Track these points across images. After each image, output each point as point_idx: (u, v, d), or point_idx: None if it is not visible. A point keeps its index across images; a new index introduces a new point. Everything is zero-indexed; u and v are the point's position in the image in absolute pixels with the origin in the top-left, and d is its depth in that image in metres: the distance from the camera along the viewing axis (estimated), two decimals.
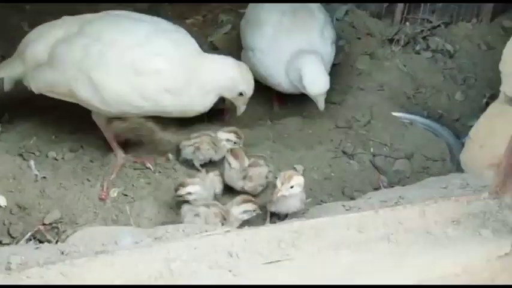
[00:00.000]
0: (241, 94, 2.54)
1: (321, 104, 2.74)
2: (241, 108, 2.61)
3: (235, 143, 2.52)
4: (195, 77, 2.39)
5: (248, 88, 2.54)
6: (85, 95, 2.34)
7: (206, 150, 2.49)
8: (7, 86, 2.55)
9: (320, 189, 2.53)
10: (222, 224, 2.10)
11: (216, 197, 2.33)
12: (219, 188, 2.30)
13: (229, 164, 2.33)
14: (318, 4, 3.09)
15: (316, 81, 2.71)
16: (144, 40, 2.34)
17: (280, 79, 2.83)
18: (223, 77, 2.45)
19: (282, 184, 2.15)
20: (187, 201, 2.22)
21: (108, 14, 2.54)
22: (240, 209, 2.17)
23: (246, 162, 2.34)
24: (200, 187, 2.23)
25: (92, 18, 2.49)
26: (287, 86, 2.84)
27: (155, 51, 2.33)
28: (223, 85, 2.46)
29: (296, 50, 2.79)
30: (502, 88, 2.21)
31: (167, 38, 2.38)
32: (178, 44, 2.40)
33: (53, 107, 2.78)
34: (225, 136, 2.52)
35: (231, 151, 2.37)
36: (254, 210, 2.19)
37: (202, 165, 2.50)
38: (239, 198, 2.21)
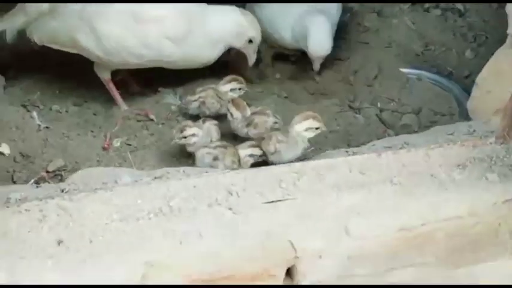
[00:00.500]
0: (250, 41, 2.51)
1: (317, 66, 2.72)
2: (252, 57, 2.59)
3: (239, 89, 2.48)
4: (200, 26, 2.37)
5: (257, 33, 2.52)
6: (87, 44, 2.33)
7: (211, 104, 2.46)
8: (9, 38, 2.54)
9: (325, 141, 2.49)
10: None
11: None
12: (215, 137, 2.24)
13: (231, 114, 2.30)
14: None
15: (319, 43, 2.66)
16: None
17: (286, 34, 2.79)
18: (231, 25, 2.44)
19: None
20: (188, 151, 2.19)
21: None
22: (247, 151, 2.14)
23: (248, 111, 2.31)
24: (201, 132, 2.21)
25: None
26: (290, 42, 2.80)
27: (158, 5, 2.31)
28: (232, 33, 2.45)
29: (305, 7, 2.75)
30: (509, 31, 2.16)
31: None
32: None
33: (57, 63, 2.78)
34: (228, 87, 2.48)
35: (233, 101, 2.34)
36: (260, 156, 2.15)
37: None
38: (248, 142, 2.18)
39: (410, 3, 3.30)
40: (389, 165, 1.87)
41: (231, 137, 2.33)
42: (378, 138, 2.54)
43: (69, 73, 2.75)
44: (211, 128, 2.26)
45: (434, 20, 3.27)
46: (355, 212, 1.74)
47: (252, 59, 2.60)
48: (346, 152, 2.03)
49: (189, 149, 2.19)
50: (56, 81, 2.74)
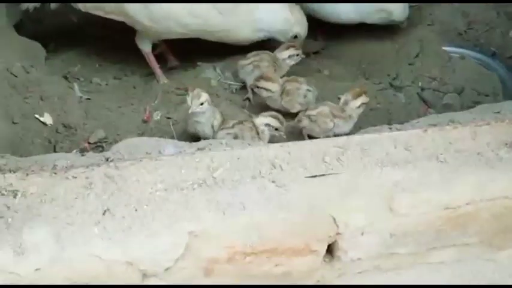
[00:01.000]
0: (295, 37, 2.54)
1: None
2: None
3: (297, 55, 2.48)
4: (247, 9, 2.41)
5: (302, 30, 2.56)
6: (134, 10, 2.33)
7: (266, 67, 2.42)
8: (54, 5, 2.55)
9: (365, 119, 2.46)
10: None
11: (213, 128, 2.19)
12: (218, 120, 2.18)
13: (266, 89, 2.27)
14: None
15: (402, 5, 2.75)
16: None
17: (346, 8, 2.75)
18: (277, 19, 2.48)
19: (192, 101, 2.11)
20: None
21: None
22: (264, 120, 2.12)
23: (279, 81, 2.27)
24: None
25: None
26: (352, 16, 2.77)
27: None
28: (278, 28, 2.50)
29: None
30: None
31: None
32: None
33: (98, 37, 2.80)
34: (286, 54, 2.46)
35: (262, 77, 2.29)
36: (277, 129, 2.13)
37: None
38: (266, 112, 2.17)
39: None
40: (435, 141, 1.83)
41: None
42: (419, 118, 2.52)
43: (109, 47, 2.77)
44: (215, 110, 2.20)
45: None
46: (400, 189, 1.70)
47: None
48: (390, 128, 2.00)
49: (196, 125, 2.15)
50: (96, 55, 2.76)
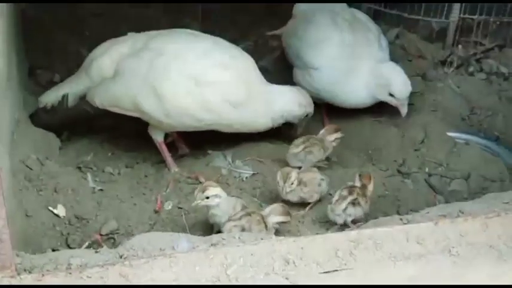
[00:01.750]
0: (306, 116, 2.72)
1: (404, 110, 2.84)
2: (302, 126, 2.76)
3: (340, 137, 2.68)
4: (258, 96, 2.52)
5: (312, 109, 2.74)
6: (149, 107, 2.42)
7: (317, 151, 2.59)
8: (71, 102, 2.65)
9: (374, 207, 2.47)
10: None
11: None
12: (238, 209, 2.21)
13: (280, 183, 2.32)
14: (366, 16, 3.16)
15: (405, 84, 2.84)
16: (206, 53, 2.45)
17: (354, 94, 2.88)
18: (293, 105, 2.65)
19: (197, 194, 2.18)
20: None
21: (171, 30, 2.66)
22: (276, 219, 2.16)
23: (294, 175, 2.33)
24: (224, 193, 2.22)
25: (156, 34, 2.60)
26: (359, 99, 2.89)
27: (216, 62, 2.43)
28: (295, 114, 2.67)
29: (368, 64, 2.87)
30: None
31: (227, 53, 2.50)
32: (238, 58, 2.52)
33: (109, 126, 2.88)
34: (333, 137, 2.65)
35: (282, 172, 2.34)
36: (287, 222, 2.19)
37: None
38: (278, 207, 2.19)
39: (454, 68, 3.33)
40: (447, 234, 1.84)
41: None
42: (427, 205, 2.53)
43: (121, 135, 2.84)
44: (237, 202, 2.23)
45: (479, 83, 3.28)
46: (414, 284, 1.70)
47: (301, 127, 2.76)
48: (401, 219, 2.01)
49: (213, 217, 2.18)
50: (108, 143, 2.82)
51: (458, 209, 2.05)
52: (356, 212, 2.24)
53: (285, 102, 2.63)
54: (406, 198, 2.55)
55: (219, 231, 2.11)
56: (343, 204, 2.22)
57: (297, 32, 3.12)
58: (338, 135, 2.66)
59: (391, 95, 2.84)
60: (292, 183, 2.28)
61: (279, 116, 2.63)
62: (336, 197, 2.25)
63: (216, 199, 2.17)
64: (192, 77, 2.39)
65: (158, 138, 2.57)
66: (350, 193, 2.25)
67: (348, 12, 3.11)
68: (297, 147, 2.57)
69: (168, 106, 2.39)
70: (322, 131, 2.64)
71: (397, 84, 2.82)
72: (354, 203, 2.24)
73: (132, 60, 2.47)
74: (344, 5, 3.22)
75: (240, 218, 2.10)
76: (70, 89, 2.65)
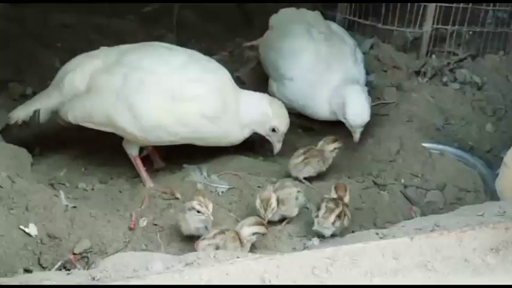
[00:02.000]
0: (273, 130, 2.60)
1: (357, 136, 2.77)
2: (276, 145, 2.67)
3: (340, 148, 2.68)
4: (233, 108, 2.47)
5: (280, 124, 2.61)
6: (124, 122, 2.38)
7: (316, 163, 2.60)
8: (43, 117, 2.60)
9: (351, 220, 2.47)
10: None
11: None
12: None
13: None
14: (343, 29, 3.17)
15: (359, 113, 2.76)
16: (181, 67, 2.41)
17: (320, 107, 2.85)
18: (257, 113, 2.55)
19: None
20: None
21: (144, 44, 2.62)
22: (250, 230, 2.13)
23: (274, 202, 2.28)
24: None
25: (129, 48, 2.57)
26: (325, 113, 2.86)
27: (192, 77, 2.40)
28: (257, 121, 2.56)
29: (338, 79, 2.84)
30: None
31: (203, 66, 2.47)
32: (214, 72, 2.48)
33: (83, 140, 2.83)
34: (332, 146, 2.64)
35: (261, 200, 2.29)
36: (263, 234, 2.17)
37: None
38: (252, 219, 2.17)
39: (428, 78, 3.36)
40: (423, 249, 1.84)
41: None
42: (404, 217, 2.55)
43: (95, 149, 2.79)
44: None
45: (453, 93, 3.31)
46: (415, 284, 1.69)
47: (276, 147, 2.68)
48: (377, 234, 2.01)
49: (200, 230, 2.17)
50: (81, 158, 2.77)
51: (433, 223, 2.05)
52: (344, 223, 2.24)
53: (250, 108, 2.53)
54: (383, 210, 2.55)
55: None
56: (332, 217, 2.20)
57: (272, 43, 3.12)
58: (337, 144, 2.64)
59: (345, 118, 2.79)
60: (272, 209, 2.24)
61: (244, 124, 2.54)
62: (322, 210, 2.22)
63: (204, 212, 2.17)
64: (168, 92, 2.36)
65: (133, 152, 2.54)
66: (336, 205, 2.24)
67: (324, 25, 3.13)
68: (296, 158, 2.58)
69: (143, 121, 2.36)
70: (321, 142, 2.63)
71: (351, 111, 2.74)
72: (339, 215, 2.22)
73: (106, 75, 2.44)
74: (319, 16, 3.23)
75: (213, 237, 2.07)
76: (41, 104, 2.60)
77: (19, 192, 2.27)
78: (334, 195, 2.32)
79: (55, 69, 3.47)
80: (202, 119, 2.39)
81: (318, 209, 2.23)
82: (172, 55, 2.49)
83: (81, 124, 2.50)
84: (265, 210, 2.21)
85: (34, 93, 3.27)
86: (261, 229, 2.15)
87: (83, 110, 2.46)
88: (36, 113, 2.59)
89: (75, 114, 2.48)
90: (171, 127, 2.37)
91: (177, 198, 2.45)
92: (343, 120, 2.79)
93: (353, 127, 2.76)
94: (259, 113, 2.56)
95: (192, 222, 2.19)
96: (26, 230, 2.17)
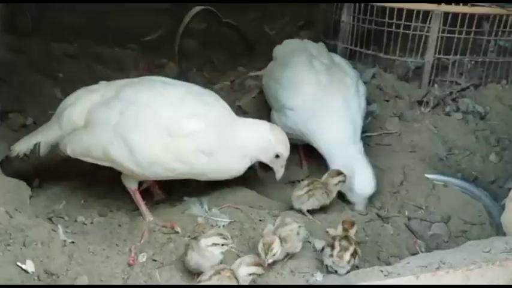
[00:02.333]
0: (277, 156, 2.56)
1: (360, 207, 2.70)
2: (279, 171, 2.61)
3: (344, 181, 2.63)
4: (230, 139, 2.42)
5: (284, 149, 2.57)
6: (120, 157, 2.36)
7: (320, 195, 2.58)
8: (43, 151, 2.58)
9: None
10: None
11: None
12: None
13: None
14: (346, 61, 3.15)
15: (366, 187, 2.69)
16: (178, 102, 2.38)
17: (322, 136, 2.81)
18: (259, 140, 2.49)
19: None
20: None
21: (142, 78, 2.61)
22: (247, 270, 2.09)
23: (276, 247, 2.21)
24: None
25: (127, 82, 2.56)
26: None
27: (189, 113, 2.37)
28: (259, 148, 2.50)
29: (339, 106, 2.82)
30: None
31: (200, 101, 2.43)
32: (211, 106, 2.44)
33: (83, 172, 2.80)
34: (336, 180, 2.61)
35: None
36: (260, 275, 2.13)
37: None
38: (250, 258, 2.13)
39: (431, 108, 3.34)
40: None
41: None
42: (409, 250, 2.51)
43: (94, 181, 2.76)
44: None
45: (456, 123, 3.29)
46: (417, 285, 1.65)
47: (279, 173, 2.62)
48: (381, 271, 1.97)
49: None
50: (80, 190, 2.74)
51: (439, 259, 2.01)
52: (356, 261, 2.19)
53: (251, 137, 2.47)
54: (387, 244, 2.51)
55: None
56: (347, 256, 2.14)
57: (274, 74, 3.11)
58: (341, 178, 2.61)
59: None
60: (273, 255, 2.17)
61: (244, 154, 2.48)
62: (337, 249, 2.16)
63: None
64: (164, 128, 2.33)
65: (132, 186, 2.51)
66: (350, 243, 2.19)
67: (326, 56, 3.12)
68: (300, 190, 2.55)
69: (139, 157, 2.33)
70: (325, 175, 2.61)
71: (357, 184, 2.66)
72: (353, 254, 2.17)
73: (103, 110, 2.42)
74: (323, 48, 3.22)
75: (209, 278, 2.03)
76: (42, 137, 2.58)
77: (16, 228, 2.24)
78: (339, 232, 2.26)
79: (56, 99, 3.50)
80: (200, 154, 2.36)
81: (332, 247, 2.17)
82: (169, 89, 2.47)
83: (80, 158, 2.48)
84: (266, 254, 2.16)
85: (35, 124, 3.28)
86: (258, 270, 2.11)
87: (81, 145, 2.44)
88: (37, 146, 2.57)
89: (73, 148, 2.46)
90: (168, 163, 2.34)
91: (177, 232, 2.41)
92: (347, 191, 2.71)
93: (359, 198, 2.70)
94: (261, 141, 2.51)
95: (212, 258, 2.15)
96: (23, 266, 2.13)
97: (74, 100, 2.54)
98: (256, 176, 2.82)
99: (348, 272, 2.13)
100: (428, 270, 1.90)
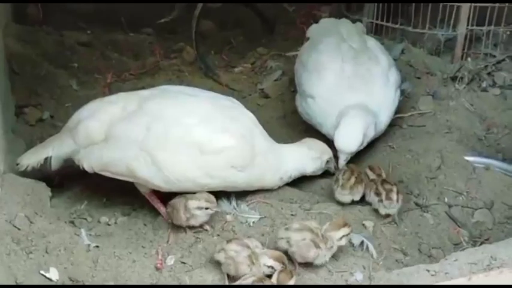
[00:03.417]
0: (327, 162, 2.61)
1: (341, 162, 2.60)
2: (340, 163, 2.60)
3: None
4: (262, 151, 2.39)
5: (329, 154, 2.61)
6: (147, 174, 2.26)
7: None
8: (55, 165, 2.46)
9: (393, 247, 2.29)
10: None
11: None
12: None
13: None
14: (380, 45, 2.96)
15: (346, 140, 2.58)
16: (207, 118, 2.31)
17: (330, 125, 2.67)
18: (305, 163, 2.55)
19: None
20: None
21: (164, 90, 2.50)
22: (268, 261, 2.04)
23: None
24: None
25: (149, 94, 2.43)
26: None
27: (218, 128, 2.29)
28: (311, 170, 2.59)
29: (360, 100, 2.66)
30: None
31: (227, 115, 2.36)
32: (237, 119, 2.38)
33: None
34: (340, 234, 2.19)
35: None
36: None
37: None
38: (273, 252, 2.07)
39: (466, 84, 3.14)
40: None
41: None
42: (451, 241, 2.36)
43: (115, 179, 2.64)
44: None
45: (493, 99, 3.09)
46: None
47: (333, 169, 2.65)
48: (427, 271, 1.83)
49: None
50: (102, 188, 2.62)
51: (489, 255, 1.87)
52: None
53: (296, 162, 2.51)
54: (427, 235, 2.36)
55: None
56: (394, 195, 2.35)
57: (302, 55, 2.95)
58: (346, 230, 2.15)
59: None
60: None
61: (288, 176, 2.50)
62: (383, 193, 2.37)
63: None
64: (194, 144, 2.24)
65: (146, 190, 2.38)
66: (390, 184, 2.41)
67: (357, 39, 2.92)
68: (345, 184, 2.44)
69: (168, 174, 2.24)
70: (325, 226, 2.16)
71: (340, 136, 2.57)
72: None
73: (127, 125, 2.30)
74: (358, 29, 3.03)
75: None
76: (53, 151, 2.45)
77: (38, 233, 2.15)
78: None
79: (72, 91, 3.40)
80: (231, 169, 2.29)
81: (378, 194, 2.37)
82: (196, 103, 2.38)
83: (99, 173, 2.36)
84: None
85: (52, 118, 3.17)
86: (277, 265, 2.04)
87: (100, 161, 2.32)
88: (48, 160, 2.44)
89: (91, 163, 2.34)
90: (199, 180, 2.26)
91: (206, 230, 2.29)
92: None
93: (339, 154, 2.60)
94: (309, 161, 2.56)
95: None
96: (47, 275, 2.04)
97: (91, 112, 2.41)
98: None
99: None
100: (478, 268, 1.75)
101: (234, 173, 2.29)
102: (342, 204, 2.44)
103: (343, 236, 2.14)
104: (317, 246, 2.07)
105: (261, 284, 1.93)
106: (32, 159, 2.46)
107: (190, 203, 2.23)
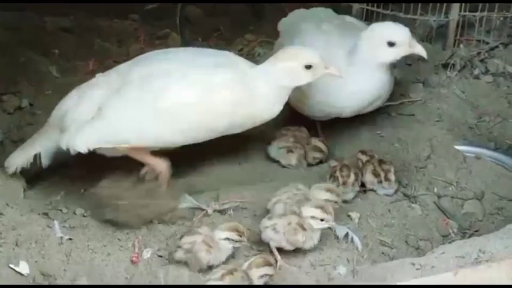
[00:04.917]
0: (310, 67, 2.34)
1: (421, 49, 2.54)
2: (331, 71, 2.38)
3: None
4: (258, 86, 2.32)
5: (313, 56, 2.36)
6: (155, 131, 2.24)
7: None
8: (45, 160, 2.39)
9: (379, 239, 2.21)
10: None
11: None
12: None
13: None
14: (359, 20, 2.93)
15: (398, 26, 2.55)
16: (195, 62, 2.33)
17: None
18: (282, 71, 2.34)
19: None
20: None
21: (138, 58, 2.47)
22: (259, 272, 1.92)
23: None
24: None
25: (128, 65, 2.42)
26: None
27: (211, 67, 2.29)
28: (290, 74, 2.34)
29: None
30: None
31: (211, 55, 2.41)
32: (227, 56, 2.43)
33: (81, 159, 2.58)
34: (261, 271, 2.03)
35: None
36: (272, 275, 1.94)
37: None
38: (260, 260, 1.95)
39: (457, 71, 3.05)
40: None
41: None
42: (439, 232, 2.29)
43: (95, 169, 2.54)
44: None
45: (486, 87, 3.01)
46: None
47: (332, 71, 2.39)
48: (413, 264, 1.75)
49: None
50: (81, 178, 2.53)
51: (477, 248, 1.80)
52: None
53: (276, 73, 2.33)
54: (415, 226, 2.29)
55: None
56: (392, 176, 2.38)
57: (284, 46, 2.84)
58: (268, 270, 1.94)
59: (391, 44, 2.51)
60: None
61: (277, 78, 2.32)
62: (382, 174, 2.36)
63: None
64: (196, 85, 2.25)
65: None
66: (386, 164, 2.43)
67: (335, 19, 2.84)
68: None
69: (179, 124, 2.23)
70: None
71: (388, 32, 2.51)
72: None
73: (121, 95, 2.26)
74: (331, 12, 2.94)
75: (221, 278, 1.83)
76: (41, 147, 2.37)
77: (8, 226, 2.06)
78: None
79: (53, 78, 3.29)
80: (236, 108, 2.26)
81: (377, 175, 2.36)
82: (177, 55, 2.42)
83: (97, 149, 2.29)
84: None
85: (31, 106, 3.07)
86: (269, 270, 1.93)
87: (99, 135, 2.25)
88: (37, 157, 2.37)
89: (86, 140, 2.25)
90: (210, 123, 2.26)
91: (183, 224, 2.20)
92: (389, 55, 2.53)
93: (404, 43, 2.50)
94: (284, 70, 2.34)
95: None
96: (17, 268, 1.95)
97: (76, 101, 2.34)
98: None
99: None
100: (466, 262, 1.67)
101: (240, 112, 2.27)
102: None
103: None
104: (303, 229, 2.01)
105: (231, 275, 1.84)
106: (19, 159, 2.38)
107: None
